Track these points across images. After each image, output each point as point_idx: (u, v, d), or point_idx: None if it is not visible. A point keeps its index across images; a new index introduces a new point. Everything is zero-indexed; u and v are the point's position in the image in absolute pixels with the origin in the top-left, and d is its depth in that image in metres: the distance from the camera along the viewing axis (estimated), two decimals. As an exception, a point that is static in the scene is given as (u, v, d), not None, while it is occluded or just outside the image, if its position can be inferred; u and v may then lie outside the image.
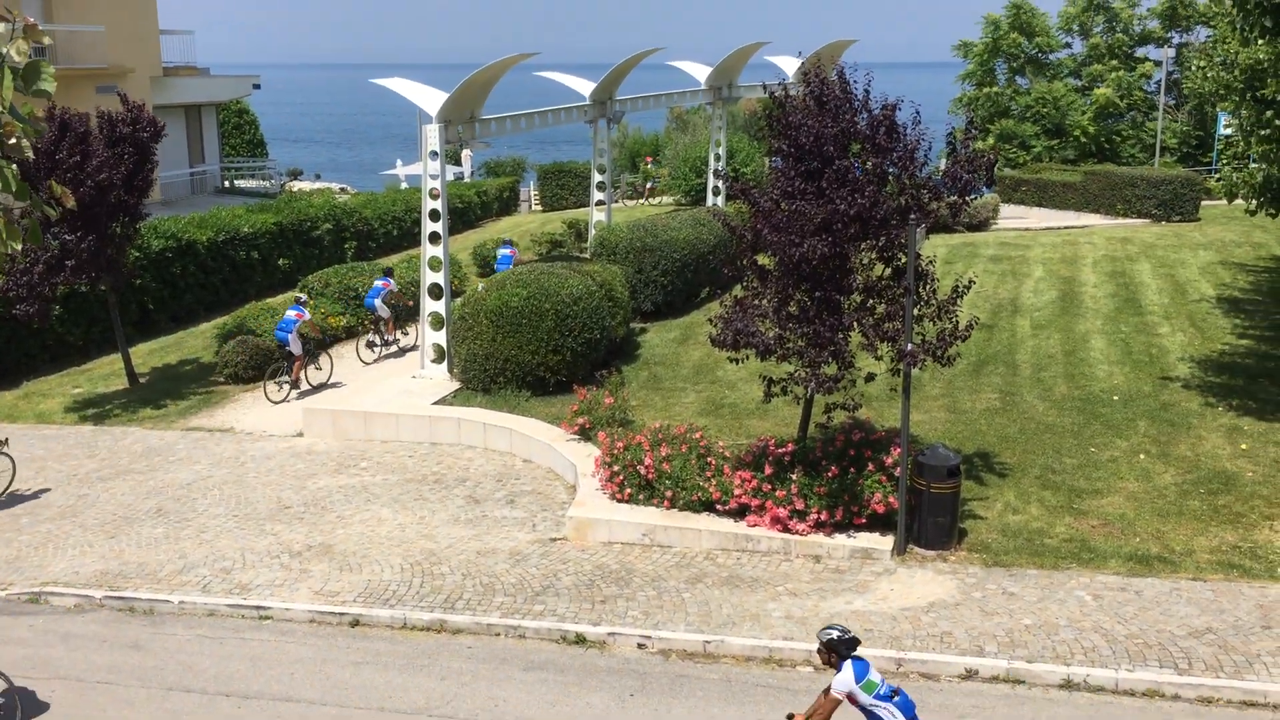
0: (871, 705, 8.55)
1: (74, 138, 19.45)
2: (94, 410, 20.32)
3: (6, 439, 16.66)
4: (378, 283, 23.28)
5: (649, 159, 46.95)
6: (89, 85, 33.03)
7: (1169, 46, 45.18)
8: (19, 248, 3.94)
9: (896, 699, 8.98)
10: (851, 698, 8.53)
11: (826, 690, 8.67)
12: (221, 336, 23.14)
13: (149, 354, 23.96)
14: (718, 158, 33.44)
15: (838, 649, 8.68)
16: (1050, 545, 13.63)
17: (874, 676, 8.63)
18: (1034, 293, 26.11)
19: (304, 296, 21.85)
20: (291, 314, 20.39)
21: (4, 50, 3.89)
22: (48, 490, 16.65)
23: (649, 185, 44.02)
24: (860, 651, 8.76)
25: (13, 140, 3.89)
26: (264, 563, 14.03)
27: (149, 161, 20.75)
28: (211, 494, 16.33)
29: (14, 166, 3.97)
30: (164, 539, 14.86)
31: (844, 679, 8.53)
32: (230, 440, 18.72)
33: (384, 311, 22.91)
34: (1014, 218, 36.96)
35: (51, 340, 23.08)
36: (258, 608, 12.95)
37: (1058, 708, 10.67)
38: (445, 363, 20.45)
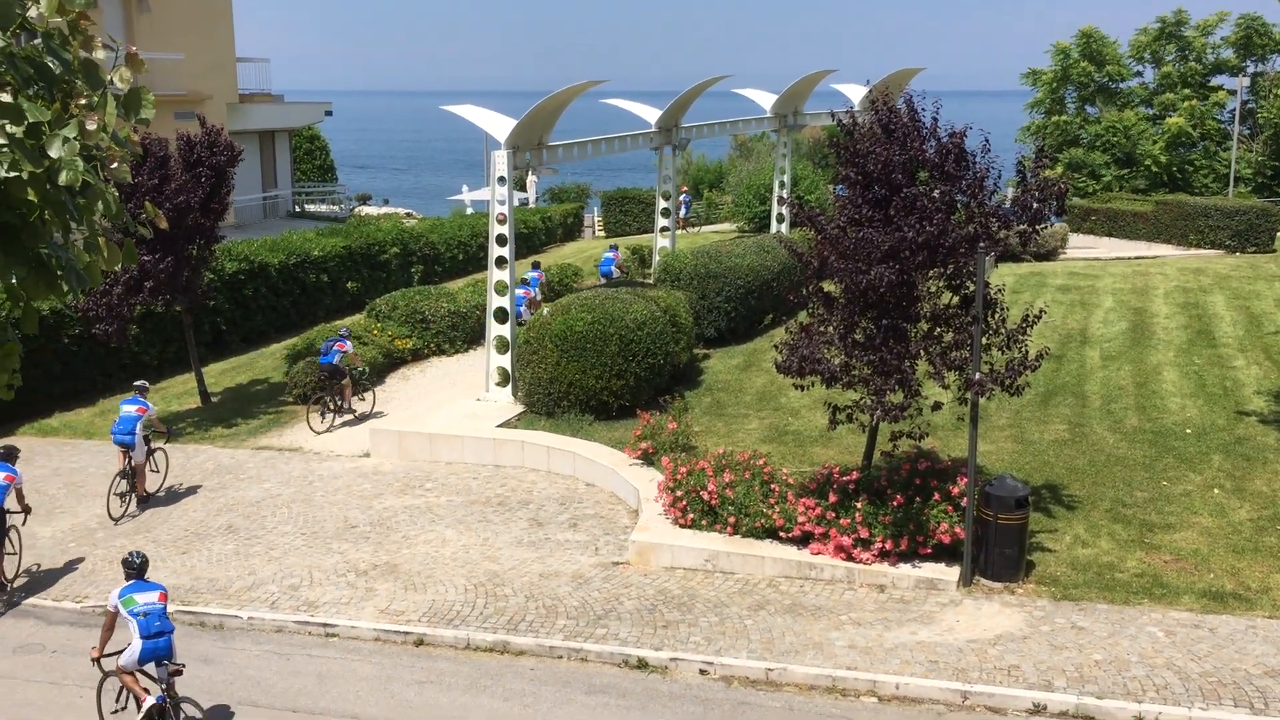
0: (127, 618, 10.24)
1: (154, 162, 20.00)
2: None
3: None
4: (334, 344, 20.48)
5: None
6: (168, 111, 33.92)
7: (1244, 75, 44.40)
8: (118, 268, 4.09)
9: (145, 619, 10.60)
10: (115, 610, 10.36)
11: None
12: (291, 357, 23.54)
13: (221, 374, 24.45)
14: (782, 184, 33.44)
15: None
16: (1121, 580, 13.38)
17: (137, 595, 10.36)
18: (1104, 323, 25.73)
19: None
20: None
21: (109, 78, 4.04)
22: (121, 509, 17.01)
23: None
24: (924, 683, 8.66)
25: (115, 165, 4.03)
26: (331, 581, 14.22)
27: (225, 185, 21.24)
28: (280, 512, 16.60)
29: (114, 190, 4.11)
30: (234, 555, 15.13)
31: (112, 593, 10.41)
32: (299, 459, 19.02)
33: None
34: (1083, 247, 36.48)
35: (128, 359, 23.64)
36: (324, 625, 13.13)
37: (1129, 746, 10.45)
38: (510, 386, 20.62)
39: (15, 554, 14.74)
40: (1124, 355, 23.01)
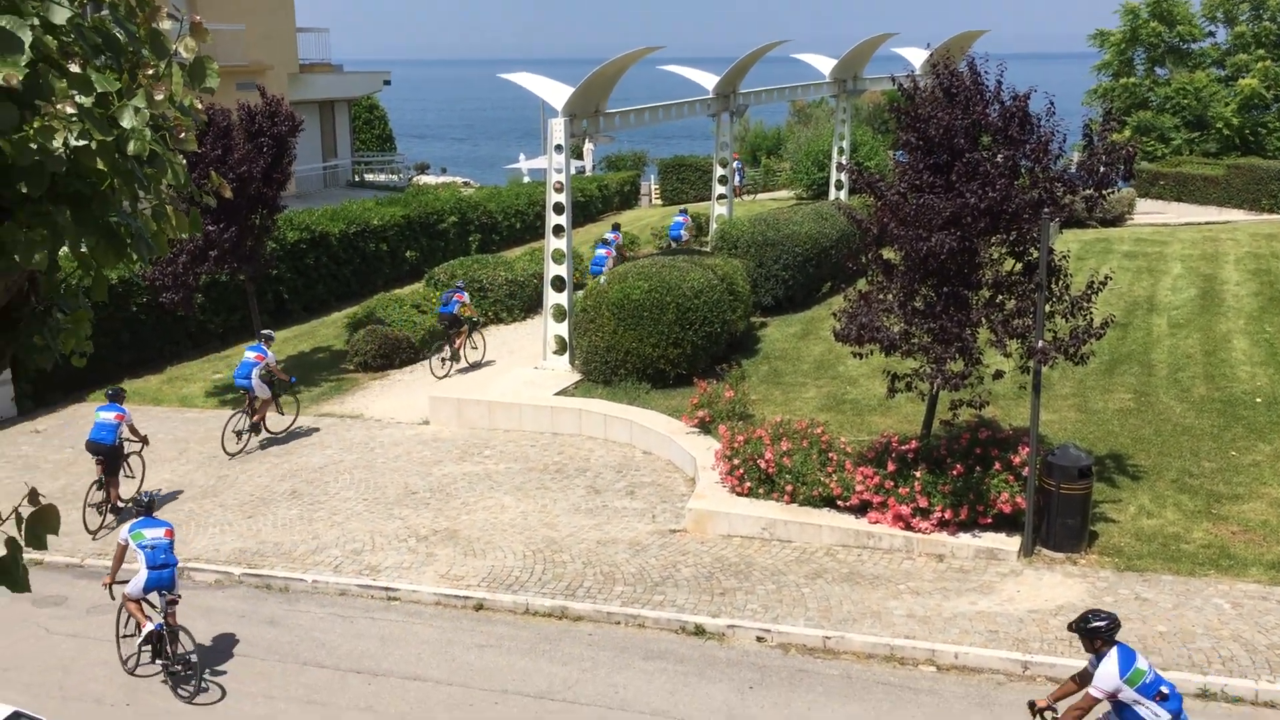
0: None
1: (217, 132, 20.25)
2: (232, 395, 21.11)
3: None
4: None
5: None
6: (230, 82, 34.25)
7: (1321, 34, 43.00)
8: (186, 236, 4.15)
9: (151, 552, 10.96)
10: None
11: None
12: (352, 325, 23.82)
13: (283, 341, 24.80)
14: (841, 151, 33.07)
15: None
16: (1187, 551, 13.18)
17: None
18: (1172, 290, 25.21)
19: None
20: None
21: (174, 48, 4.09)
22: (190, 471, 17.39)
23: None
24: (984, 652, 8.54)
25: (182, 134, 4.08)
26: (392, 545, 14.44)
27: (286, 155, 21.46)
28: (342, 478, 16.85)
29: (182, 159, 4.16)
30: (298, 520, 15.40)
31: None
32: (360, 426, 19.28)
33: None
34: (1151, 212, 35.70)
35: (194, 327, 24.07)
36: (386, 589, 13.34)
37: (1194, 717, 10.32)
38: (567, 354, 20.70)
39: (134, 477, 16.30)
40: (1192, 323, 22.54)
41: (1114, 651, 8.16)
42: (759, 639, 11.97)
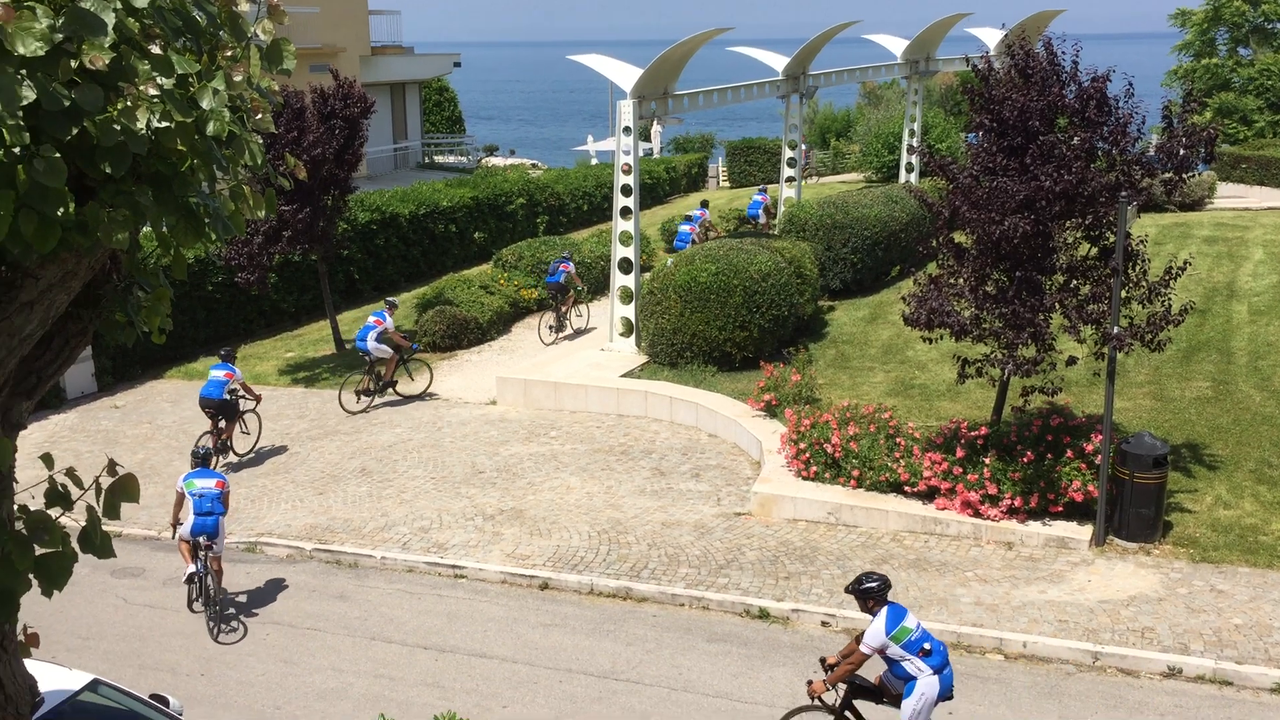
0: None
1: (290, 114, 20.54)
2: (304, 373, 21.48)
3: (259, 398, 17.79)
4: (560, 264, 22.48)
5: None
6: (303, 64, 34.70)
7: None
8: (262, 215, 4.21)
9: (199, 500, 12.05)
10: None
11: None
12: (420, 306, 24.07)
13: (354, 321, 25.09)
14: (912, 133, 32.64)
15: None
16: (1265, 543, 12.87)
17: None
18: (1253, 276, 24.55)
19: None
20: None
21: (252, 30, 4.14)
22: (263, 447, 17.73)
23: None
24: (1053, 642, 8.52)
25: (259, 116, 4.14)
26: (459, 524, 14.60)
27: (358, 137, 21.70)
28: (411, 456, 17.07)
29: (259, 140, 4.22)
30: (367, 497, 15.63)
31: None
32: (428, 406, 19.50)
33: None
34: (1232, 196, 34.76)
35: (267, 306, 24.50)
36: (453, 566, 13.50)
37: (1268, 712, 10.11)
38: (633, 337, 20.73)
39: (249, 434, 17.54)
40: (1274, 310, 21.94)
41: (884, 611, 8.79)
42: (824, 624, 11.93)
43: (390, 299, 20.27)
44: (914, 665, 8.64)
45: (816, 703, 9.20)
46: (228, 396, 16.61)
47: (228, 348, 17.90)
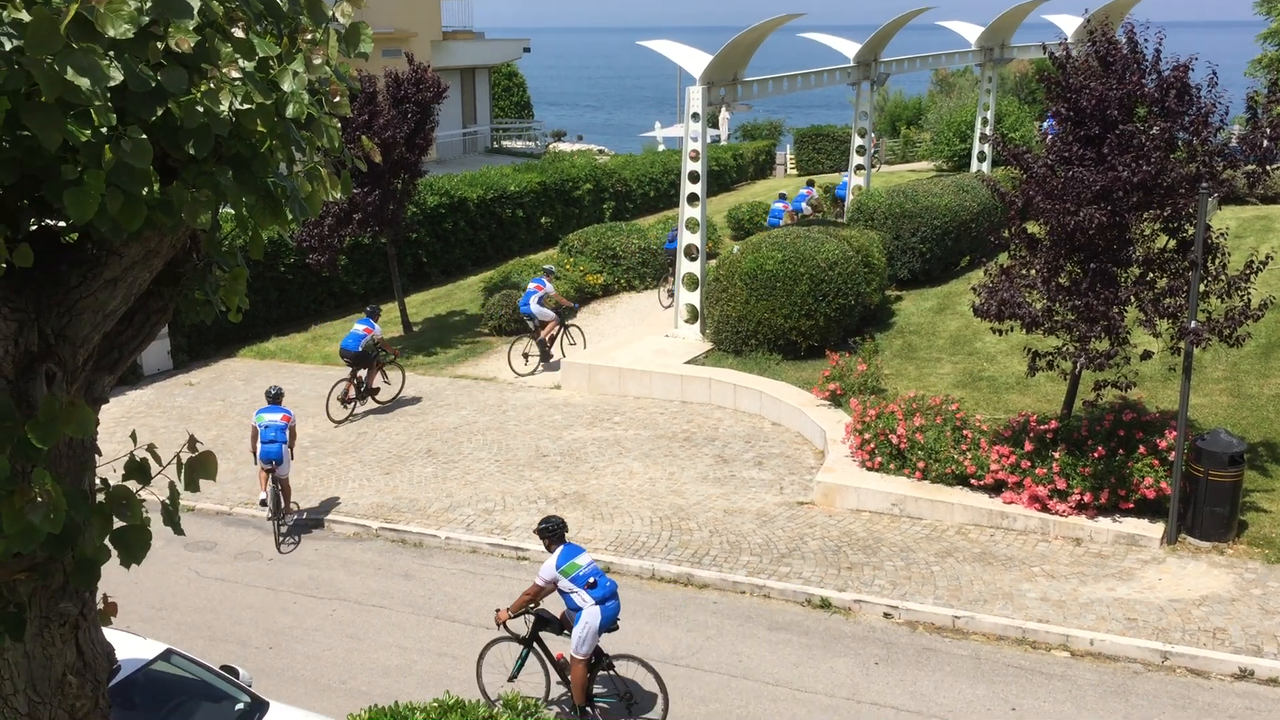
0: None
1: (363, 98, 20.77)
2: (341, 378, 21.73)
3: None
4: (532, 285, 20.71)
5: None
6: (377, 49, 35.06)
7: None
8: (338, 196, 4.27)
9: (265, 429, 13.82)
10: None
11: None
12: (487, 290, 24.26)
13: (421, 304, 25.42)
14: (985, 121, 32.14)
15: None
16: (1344, 546, 12.53)
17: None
18: (1337, 272, 23.83)
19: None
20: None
21: (331, 14, 4.19)
22: (332, 427, 18.01)
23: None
24: (1121, 640, 8.43)
25: (337, 99, 4.19)
26: (522, 506, 14.71)
27: (429, 121, 21.88)
28: (476, 439, 17.23)
29: (336, 123, 4.27)
30: (432, 478, 15.81)
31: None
32: (493, 389, 19.66)
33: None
34: (1316, 189, 33.72)
35: (337, 288, 24.84)
36: (516, 549, 13.62)
37: (1345, 721, 9.85)
38: (698, 323, 20.70)
39: (390, 384, 19.31)
40: (1359, 307, 21.28)
41: (560, 549, 9.97)
42: (886, 615, 11.85)
43: (548, 266, 21.69)
44: (580, 597, 9.80)
45: (505, 631, 10.54)
46: (363, 349, 18.35)
47: (374, 305, 19.54)
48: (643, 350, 20.14)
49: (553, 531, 10.09)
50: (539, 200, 30.71)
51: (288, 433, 14.26)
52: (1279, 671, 10.37)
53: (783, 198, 28.39)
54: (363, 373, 18.64)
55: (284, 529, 14.49)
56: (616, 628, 10.10)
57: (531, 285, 20.74)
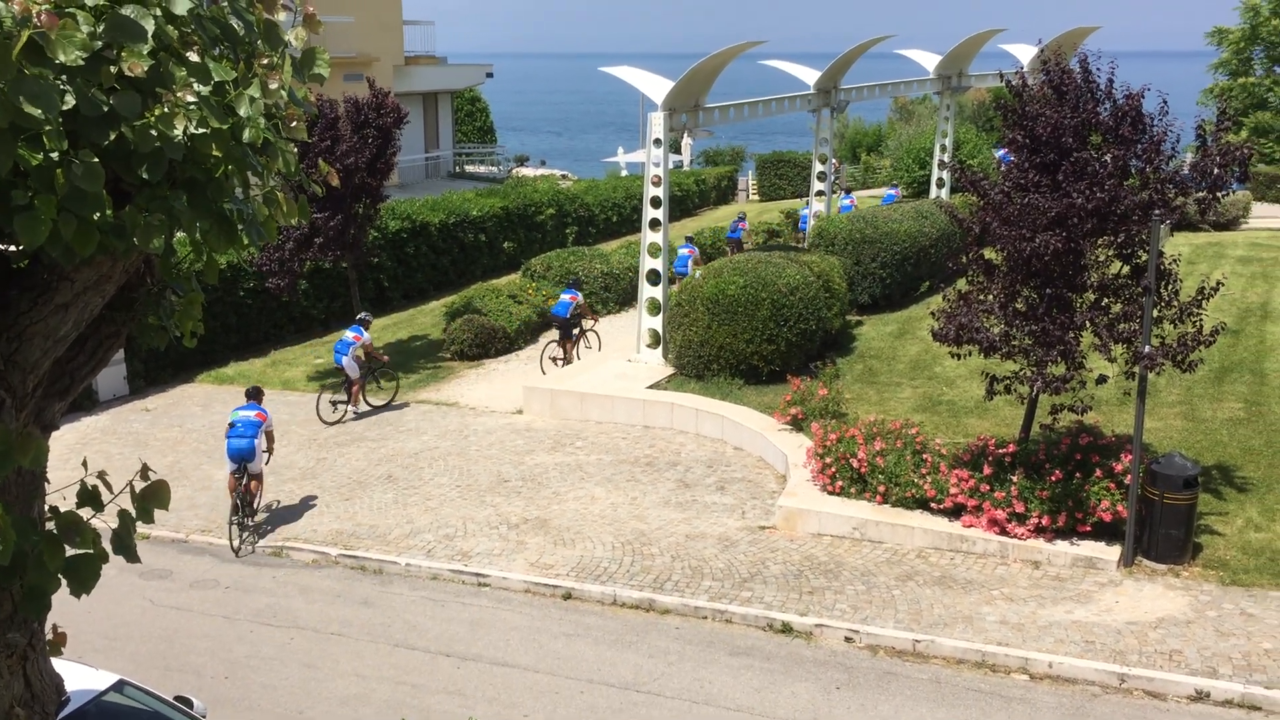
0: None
1: (324, 123, 20.71)
2: (333, 380, 21.58)
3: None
4: (348, 334, 19.57)
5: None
6: (337, 73, 35.00)
7: None
8: (295, 221, 4.25)
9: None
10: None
11: None
12: (449, 314, 24.18)
13: (383, 329, 25.28)
14: (944, 148, 32.54)
15: None
16: (1296, 567, 12.70)
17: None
18: (1287, 297, 24.27)
19: (367, 315, 21.74)
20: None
21: (287, 39, 4.18)
22: (291, 453, 17.84)
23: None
24: (1079, 663, 8.46)
25: (294, 123, 4.17)
26: (484, 532, 14.63)
27: (391, 146, 21.86)
28: (437, 464, 17.12)
29: (293, 147, 4.25)
30: (393, 504, 15.69)
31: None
32: (455, 414, 19.56)
33: (351, 370, 19.34)
34: (1267, 216, 34.42)
35: (297, 313, 24.67)
36: (477, 575, 13.53)
37: (1299, 741, 9.96)
38: (660, 348, 20.73)
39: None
40: (1309, 332, 21.68)
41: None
42: (847, 639, 11.87)
43: (362, 315, 20.11)
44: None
45: None
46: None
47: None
48: (605, 375, 20.13)
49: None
50: (502, 225, 30.70)
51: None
52: (1234, 693, 10.47)
53: (742, 217, 29.94)
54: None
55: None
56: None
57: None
